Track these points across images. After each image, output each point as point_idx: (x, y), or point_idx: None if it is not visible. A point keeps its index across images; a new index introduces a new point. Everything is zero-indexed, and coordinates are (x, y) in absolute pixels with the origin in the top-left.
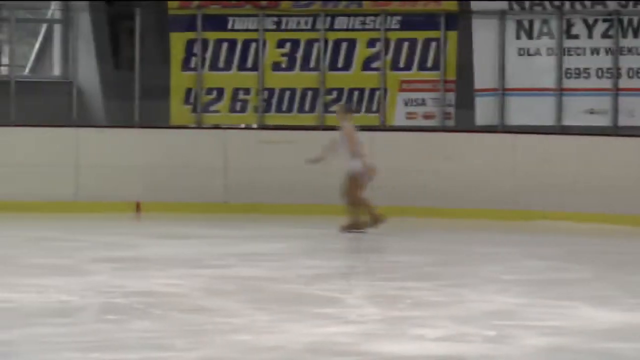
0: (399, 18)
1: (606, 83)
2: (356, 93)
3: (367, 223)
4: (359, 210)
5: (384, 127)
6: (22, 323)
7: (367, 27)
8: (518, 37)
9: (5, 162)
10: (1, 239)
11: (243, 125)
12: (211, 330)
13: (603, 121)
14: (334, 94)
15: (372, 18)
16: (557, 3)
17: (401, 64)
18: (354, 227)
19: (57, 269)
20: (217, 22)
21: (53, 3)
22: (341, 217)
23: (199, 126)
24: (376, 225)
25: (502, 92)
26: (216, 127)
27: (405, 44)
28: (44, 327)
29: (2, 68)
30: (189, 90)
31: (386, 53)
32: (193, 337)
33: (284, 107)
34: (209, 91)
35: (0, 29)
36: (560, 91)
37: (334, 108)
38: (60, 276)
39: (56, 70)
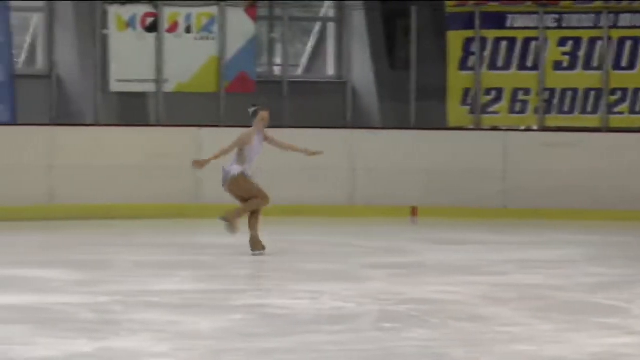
0: None
1: None
2: None
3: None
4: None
5: None
6: (297, 330)
7: None
8: None
9: (276, 165)
10: (277, 244)
11: (523, 127)
12: (490, 340)
13: None
14: (618, 94)
15: None
16: None
17: None
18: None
19: (331, 274)
20: (496, 20)
21: (327, 2)
22: (622, 222)
23: (478, 128)
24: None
25: None
26: (495, 128)
27: None
28: (318, 334)
29: (275, 68)
30: (466, 91)
31: None
32: (471, 347)
33: (566, 107)
34: (488, 91)
35: (274, 28)
36: None
37: (262, 110)
38: (334, 282)
39: (330, 70)
